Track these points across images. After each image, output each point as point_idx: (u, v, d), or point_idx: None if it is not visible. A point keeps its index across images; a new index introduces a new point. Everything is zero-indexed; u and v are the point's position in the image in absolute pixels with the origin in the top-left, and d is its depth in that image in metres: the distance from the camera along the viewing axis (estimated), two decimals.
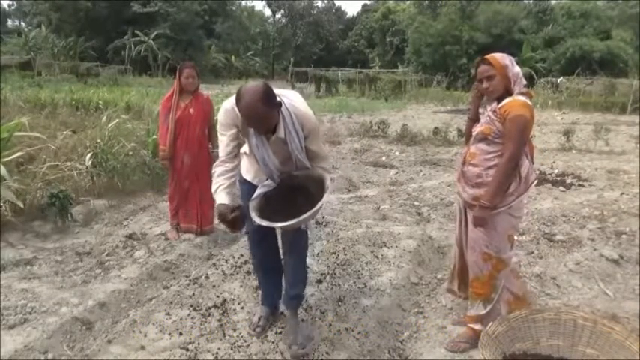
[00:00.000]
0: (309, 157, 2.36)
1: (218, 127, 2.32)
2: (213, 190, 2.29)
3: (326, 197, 2.16)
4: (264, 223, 2.15)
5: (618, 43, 28.59)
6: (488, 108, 2.43)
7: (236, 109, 2.12)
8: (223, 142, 2.32)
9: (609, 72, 26.06)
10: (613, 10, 32.44)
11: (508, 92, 2.37)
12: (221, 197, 2.27)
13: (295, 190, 2.34)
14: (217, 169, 2.33)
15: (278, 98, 2.13)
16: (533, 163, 2.45)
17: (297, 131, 2.23)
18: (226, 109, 2.25)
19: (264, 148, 2.26)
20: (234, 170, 2.37)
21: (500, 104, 2.36)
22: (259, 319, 2.69)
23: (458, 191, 2.64)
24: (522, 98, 2.34)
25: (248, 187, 2.46)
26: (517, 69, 2.39)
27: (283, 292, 2.68)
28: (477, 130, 2.49)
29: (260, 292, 2.82)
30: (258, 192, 2.36)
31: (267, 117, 2.09)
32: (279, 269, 2.68)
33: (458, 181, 2.61)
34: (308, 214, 2.10)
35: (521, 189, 2.39)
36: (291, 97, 2.27)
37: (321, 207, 2.13)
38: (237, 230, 2.29)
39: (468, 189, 2.50)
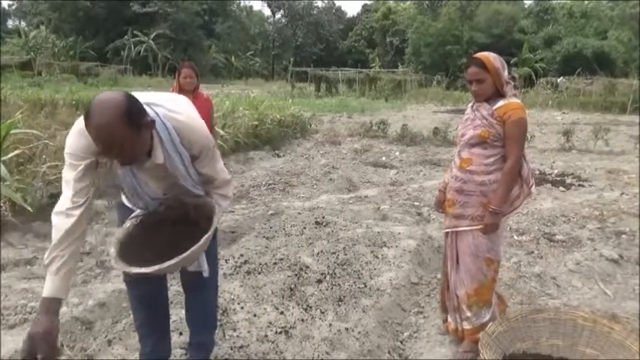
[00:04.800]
0: (203, 181, 1.85)
1: (67, 157, 1.62)
2: (46, 261, 1.61)
3: (211, 233, 1.67)
4: (125, 269, 1.62)
5: (612, 42, 28.73)
6: (484, 112, 2.33)
7: None
8: (71, 178, 1.60)
9: (609, 72, 26.11)
10: (613, 10, 32.47)
11: (498, 93, 2.31)
12: (49, 286, 1.54)
13: (181, 222, 1.82)
14: (59, 222, 1.61)
15: (149, 114, 1.55)
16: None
17: (180, 152, 1.68)
18: (80, 128, 1.54)
19: (134, 178, 1.73)
20: (82, 226, 1.64)
21: (496, 107, 2.30)
22: None
23: (450, 204, 2.48)
24: (517, 100, 2.33)
25: (125, 213, 1.90)
26: (506, 71, 2.34)
27: (189, 340, 2.26)
28: (468, 134, 2.39)
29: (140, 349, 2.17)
30: (127, 223, 1.80)
31: (130, 143, 1.47)
32: (168, 327, 2.21)
33: (451, 192, 2.47)
34: (185, 255, 1.59)
35: (525, 191, 2.38)
36: (170, 107, 1.66)
37: (203, 244, 1.64)
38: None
39: (470, 200, 2.38)
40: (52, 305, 1.52)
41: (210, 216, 1.76)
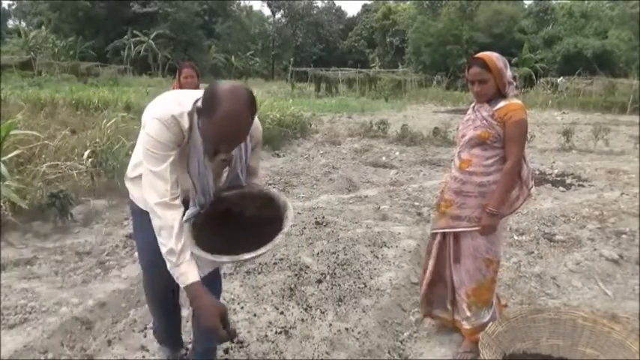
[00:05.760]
0: (247, 173, 1.87)
1: (150, 149, 1.57)
2: (176, 249, 1.55)
3: (291, 214, 1.68)
4: (226, 259, 1.60)
5: (613, 41, 28.76)
6: (484, 113, 2.32)
7: (182, 119, 1.56)
8: (163, 170, 1.57)
9: (609, 72, 26.13)
10: (613, 10, 32.49)
11: (499, 94, 2.30)
12: (194, 270, 1.56)
13: (225, 216, 1.79)
14: (166, 213, 1.57)
15: None
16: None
17: (246, 145, 1.76)
18: (165, 120, 1.55)
19: (207, 172, 1.70)
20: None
21: (497, 107, 2.29)
22: None
23: (448, 205, 2.49)
24: (518, 101, 2.32)
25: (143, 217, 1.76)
26: (509, 71, 2.32)
27: (192, 345, 2.27)
28: (468, 134, 2.39)
29: (161, 332, 2.32)
30: (186, 221, 1.71)
31: (249, 131, 1.58)
32: (179, 305, 2.29)
33: (449, 193, 2.48)
34: (279, 237, 1.60)
35: (525, 192, 2.37)
36: None
37: (287, 231, 1.65)
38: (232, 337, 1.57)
39: (468, 202, 2.39)
40: (202, 286, 1.55)
41: (263, 198, 1.78)
